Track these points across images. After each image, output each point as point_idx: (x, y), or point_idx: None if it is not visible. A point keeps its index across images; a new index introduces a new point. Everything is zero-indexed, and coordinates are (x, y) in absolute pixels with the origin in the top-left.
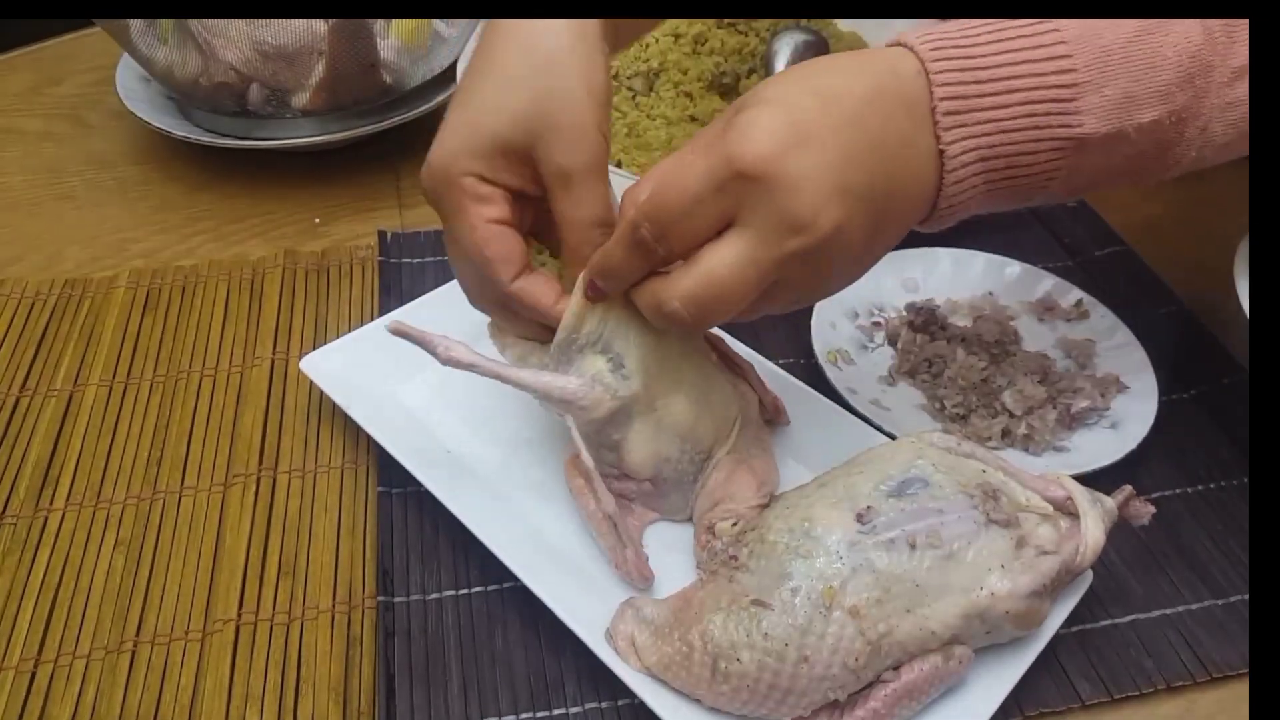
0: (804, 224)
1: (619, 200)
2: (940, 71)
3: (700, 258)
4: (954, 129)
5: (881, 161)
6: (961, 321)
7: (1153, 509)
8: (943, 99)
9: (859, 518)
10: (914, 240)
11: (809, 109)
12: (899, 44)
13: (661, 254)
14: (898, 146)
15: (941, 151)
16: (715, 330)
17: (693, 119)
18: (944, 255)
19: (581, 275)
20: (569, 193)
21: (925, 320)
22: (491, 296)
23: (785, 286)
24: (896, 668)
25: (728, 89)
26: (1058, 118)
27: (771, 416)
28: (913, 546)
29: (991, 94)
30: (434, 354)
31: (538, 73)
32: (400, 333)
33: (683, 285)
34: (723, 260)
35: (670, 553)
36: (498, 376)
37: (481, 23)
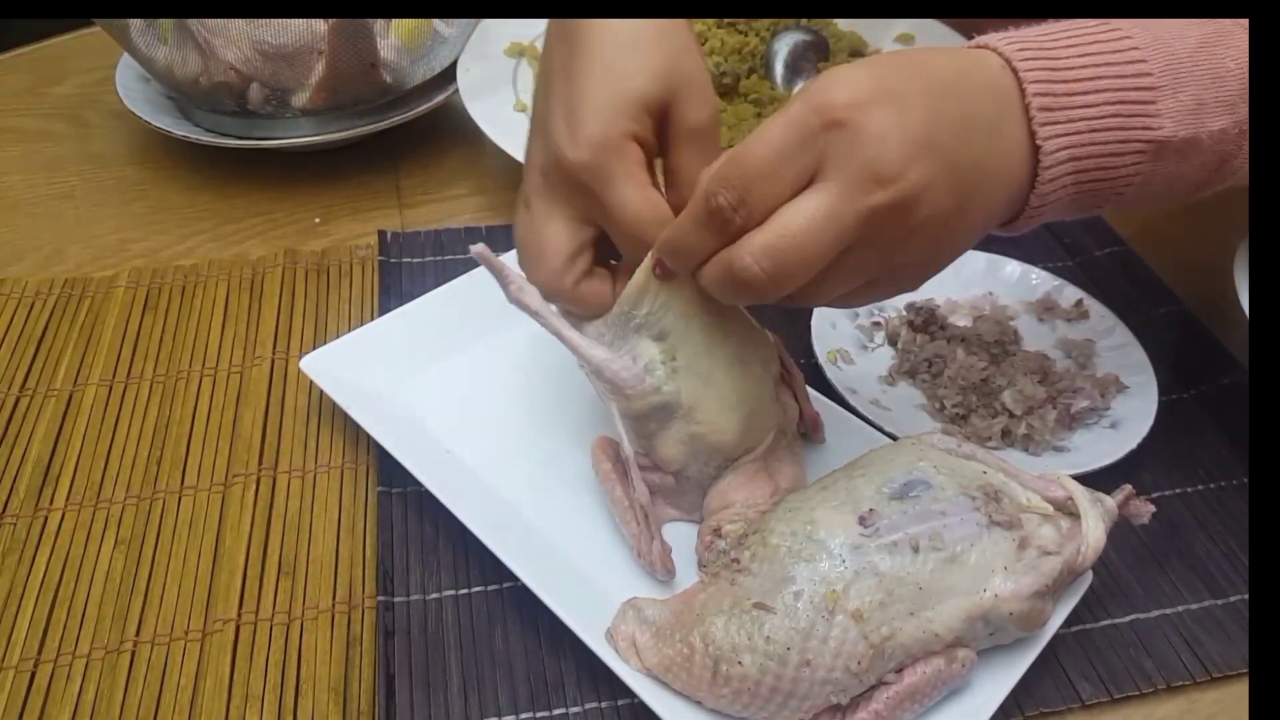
0: (890, 176)
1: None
2: (1029, 70)
3: (778, 213)
4: (1048, 125)
5: (970, 134)
6: (961, 321)
7: (1153, 508)
8: (1035, 94)
9: (861, 520)
10: None
11: (898, 71)
12: (979, 46)
13: (738, 222)
14: (986, 126)
15: (1038, 147)
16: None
17: None
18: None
19: (651, 251)
20: (697, 149)
21: (925, 320)
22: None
23: (867, 250)
24: (899, 670)
25: (728, 89)
26: (1139, 119)
27: (808, 431)
28: (915, 549)
29: (1080, 93)
30: (506, 290)
31: (664, 35)
32: (482, 257)
33: (757, 239)
34: (801, 212)
35: (674, 553)
36: (557, 334)
37: (548, 23)
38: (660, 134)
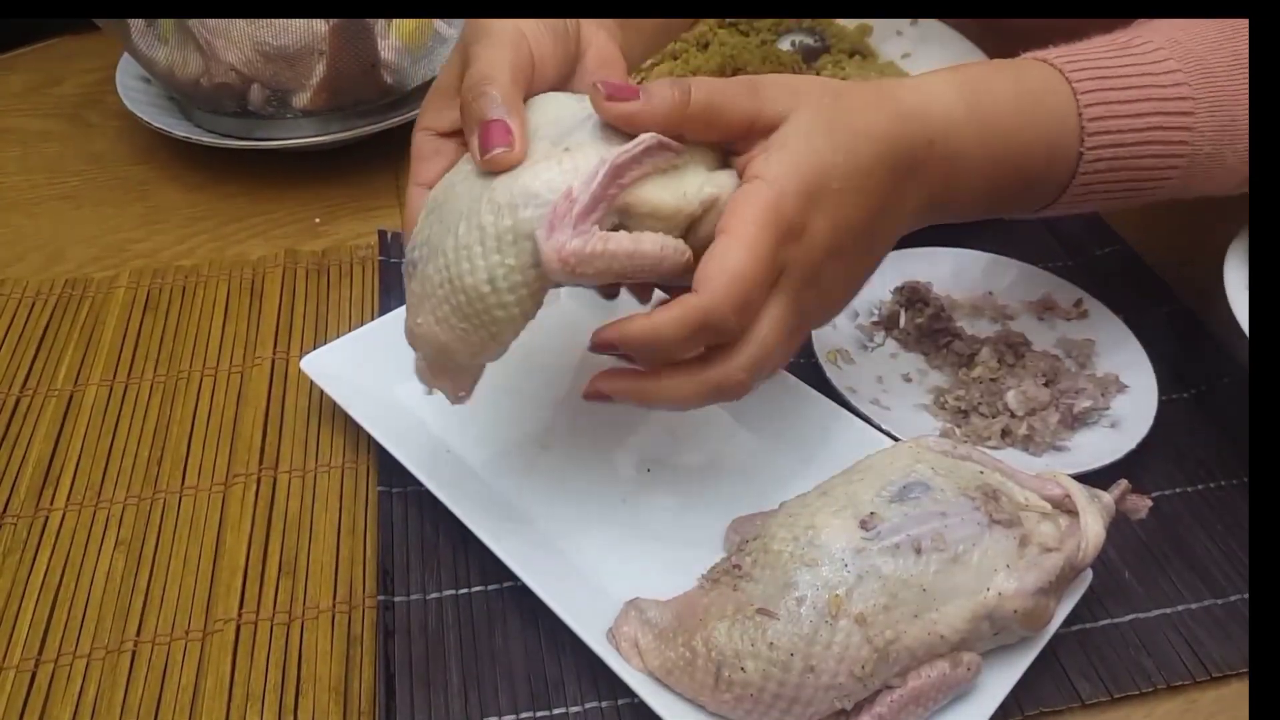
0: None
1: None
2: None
3: (756, 327)
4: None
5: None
6: (961, 320)
7: (1149, 502)
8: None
9: (863, 524)
10: (915, 240)
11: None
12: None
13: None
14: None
15: (1080, 155)
16: None
17: None
18: (945, 255)
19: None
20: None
21: (909, 296)
22: None
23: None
24: (903, 674)
25: None
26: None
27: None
28: (918, 551)
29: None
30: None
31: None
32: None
33: (743, 356)
34: (774, 325)
35: (677, 550)
36: None
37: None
38: None
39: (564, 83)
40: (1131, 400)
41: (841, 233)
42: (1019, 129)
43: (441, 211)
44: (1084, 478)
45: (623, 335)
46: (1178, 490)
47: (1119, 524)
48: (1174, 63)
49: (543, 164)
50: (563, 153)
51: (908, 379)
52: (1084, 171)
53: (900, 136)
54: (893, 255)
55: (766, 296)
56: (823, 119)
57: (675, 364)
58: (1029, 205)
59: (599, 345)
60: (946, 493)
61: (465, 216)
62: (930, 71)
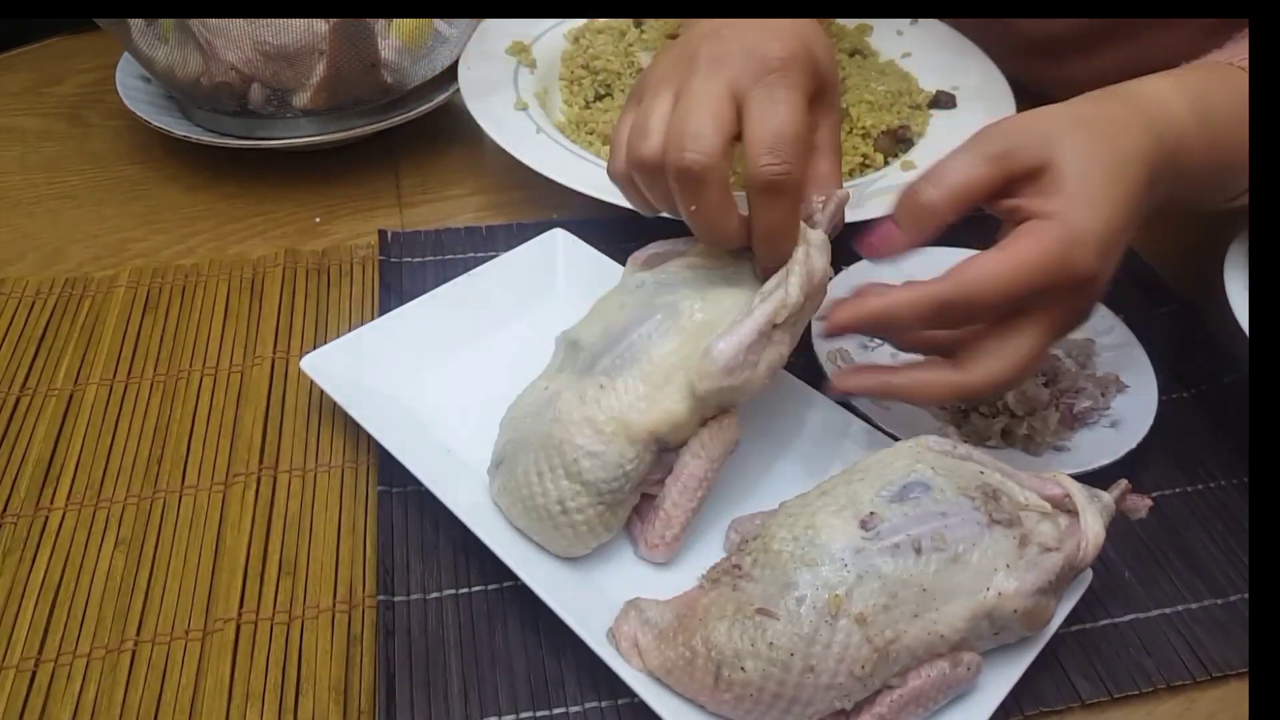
0: (1089, 310)
1: None
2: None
3: (1002, 345)
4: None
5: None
6: None
7: (1150, 501)
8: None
9: (863, 524)
10: None
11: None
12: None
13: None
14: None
15: None
16: None
17: None
18: (944, 255)
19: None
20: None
21: None
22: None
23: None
24: (903, 674)
25: None
26: None
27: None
28: (918, 550)
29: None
30: None
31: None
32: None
33: (991, 371)
34: (1021, 348)
35: (680, 549)
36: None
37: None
38: None
39: None
40: (1131, 400)
41: (1111, 262)
42: (1235, 140)
43: (512, 429)
44: (1084, 478)
45: (857, 314)
46: (1178, 490)
47: (1119, 524)
48: None
49: (585, 426)
50: (599, 390)
51: None
52: None
53: (1155, 153)
54: (891, 256)
55: (1016, 320)
56: (1088, 154)
57: (922, 363)
58: (1219, 203)
59: (837, 327)
60: (946, 492)
61: (532, 448)
62: (1153, 78)
